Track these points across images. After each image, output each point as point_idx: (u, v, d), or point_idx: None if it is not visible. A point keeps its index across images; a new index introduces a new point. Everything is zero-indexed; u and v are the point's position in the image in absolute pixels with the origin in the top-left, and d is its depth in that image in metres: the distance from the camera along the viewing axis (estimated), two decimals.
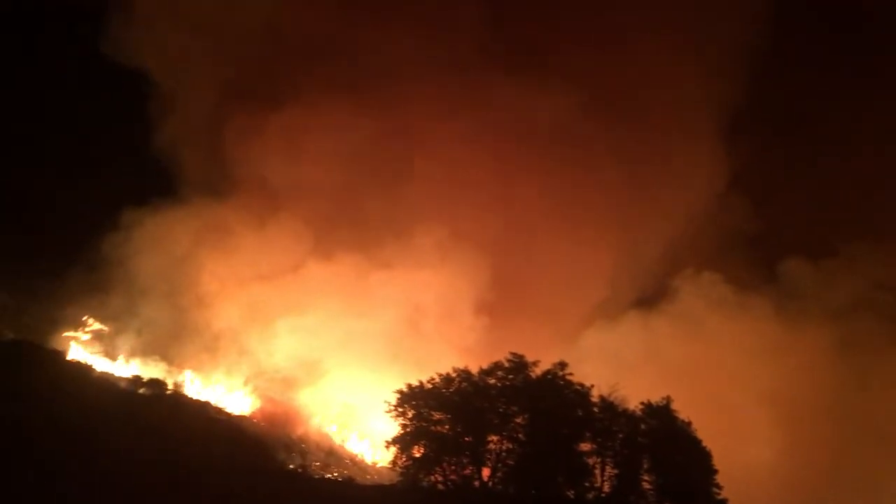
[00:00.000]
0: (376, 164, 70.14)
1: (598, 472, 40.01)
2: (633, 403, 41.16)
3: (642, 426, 41.05)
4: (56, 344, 54.30)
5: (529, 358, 41.18)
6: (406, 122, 71.53)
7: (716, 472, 41.15)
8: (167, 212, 65.16)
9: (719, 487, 40.86)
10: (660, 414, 41.16)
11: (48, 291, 60.15)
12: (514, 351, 41.59)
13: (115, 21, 67.93)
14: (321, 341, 61.89)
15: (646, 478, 40.49)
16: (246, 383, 59.92)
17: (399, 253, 66.80)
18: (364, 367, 59.56)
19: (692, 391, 51.93)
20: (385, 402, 40.90)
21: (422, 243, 66.77)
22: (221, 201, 67.42)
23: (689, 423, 41.36)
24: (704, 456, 41.18)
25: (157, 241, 63.73)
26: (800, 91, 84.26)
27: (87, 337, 57.42)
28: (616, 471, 40.17)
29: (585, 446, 40.38)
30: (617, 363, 59.85)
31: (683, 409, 41.71)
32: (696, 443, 41.22)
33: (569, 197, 73.51)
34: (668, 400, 41.67)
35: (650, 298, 74.74)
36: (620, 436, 40.80)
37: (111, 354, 57.49)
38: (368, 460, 57.25)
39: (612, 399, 40.87)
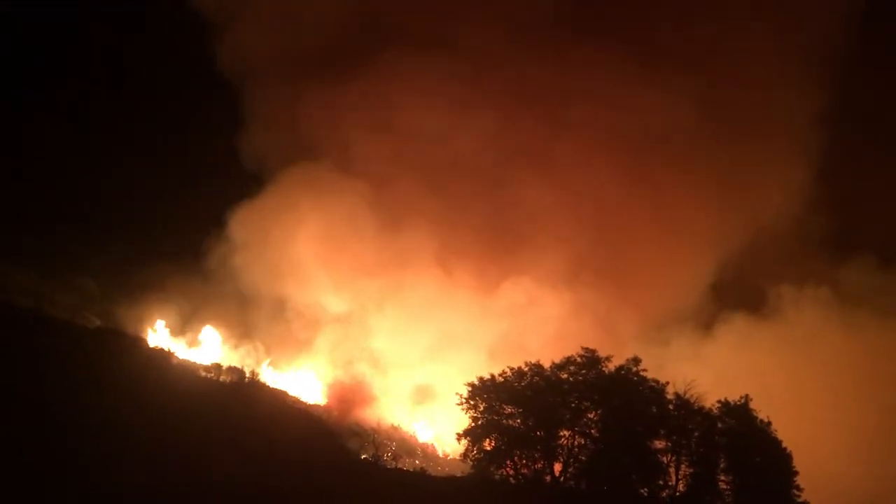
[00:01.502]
0: (487, 167, 71.01)
1: (672, 470, 39.42)
2: (711, 402, 40.34)
3: (719, 425, 40.20)
4: (138, 331, 56.04)
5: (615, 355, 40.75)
6: (515, 116, 71.84)
7: (796, 473, 40.07)
8: (255, 205, 66.81)
9: (800, 490, 39.81)
10: (738, 413, 40.19)
11: (132, 279, 62.15)
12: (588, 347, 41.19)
13: (216, 32, 70.75)
14: (411, 339, 62.99)
15: (722, 478, 39.73)
16: (324, 372, 61.08)
17: (516, 266, 67.26)
18: (453, 368, 58.96)
19: (780, 398, 50.81)
20: (456, 394, 41.12)
21: (540, 263, 67.10)
22: (318, 196, 68.41)
23: (769, 424, 40.30)
24: (784, 457, 40.13)
25: (248, 233, 65.38)
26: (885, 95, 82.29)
27: (169, 324, 59.20)
28: (691, 470, 39.47)
29: (660, 444, 39.80)
30: (712, 368, 58.84)
31: (775, 417, 40.73)
32: (775, 443, 40.16)
33: (667, 197, 73.21)
34: (747, 399, 40.66)
35: (738, 303, 74.49)
36: (696, 434, 40.05)
37: (192, 342, 59.30)
38: (440, 452, 57.75)
39: (687, 396, 40.12)
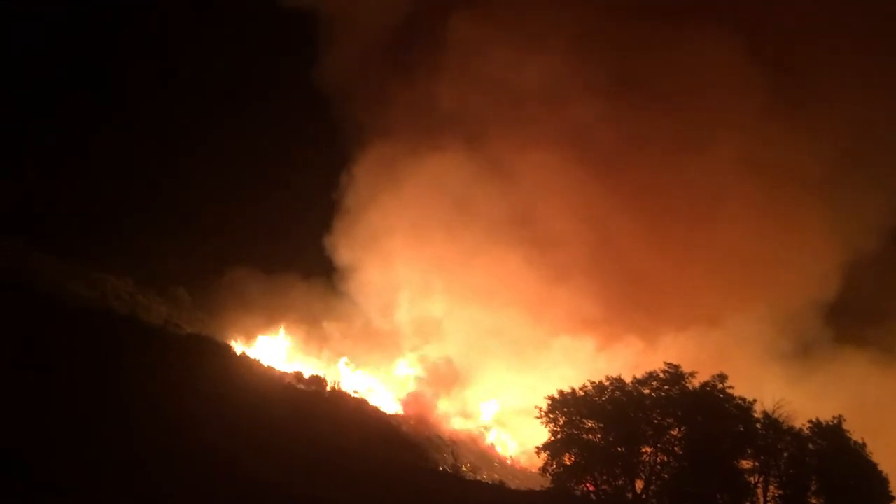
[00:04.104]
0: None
1: (760, 491, 38.19)
2: (801, 422, 38.98)
3: (810, 446, 38.75)
4: (226, 338, 57.61)
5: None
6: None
7: (893, 499, 38.26)
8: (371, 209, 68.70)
9: None
10: (830, 434, 38.66)
11: (222, 288, 64.04)
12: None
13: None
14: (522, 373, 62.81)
15: (813, 500, 38.27)
16: (406, 381, 61.67)
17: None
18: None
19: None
20: (536, 407, 40.88)
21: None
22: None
23: (864, 446, 38.63)
24: (881, 481, 38.34)
25: (358, 241, 67.00)
26: None
27: (257, 332, 60.75)
28: (780, 491, 38.16)
29: (746, 464, 38.67)
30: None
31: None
32: (871, 466, 38.42)
33: (794, 228, 72.81)
34: (840, 419, 39.10)
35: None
36: (785, 454, 38.75)
37: (278, 350, 60.61)
38: (517, 464, 57.46)
39: (776, 415, 38.83)
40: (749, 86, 72.45)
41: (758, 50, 74.23)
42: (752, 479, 38.37)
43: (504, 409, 61.21)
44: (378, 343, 65.76)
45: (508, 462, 57.40)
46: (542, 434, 40.32)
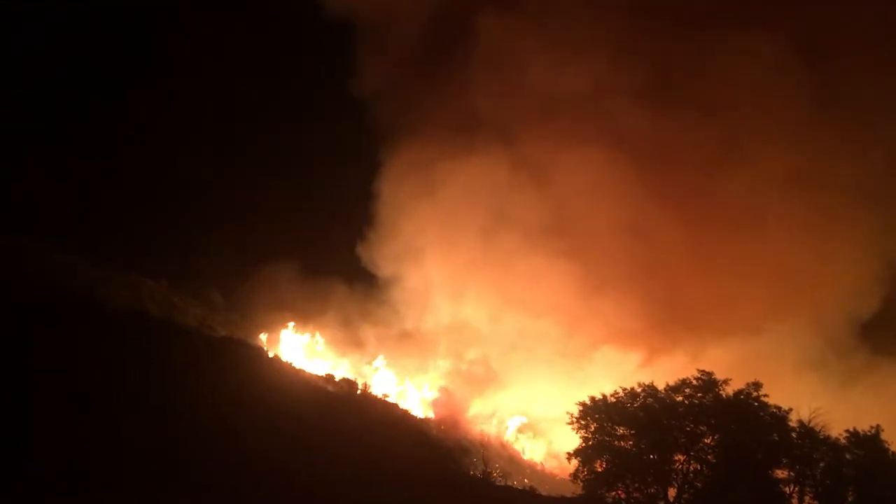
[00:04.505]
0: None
1: (795, 501, 37.64)
2: (838, 431, 38.36)
3: (847, 456, 38.12)
4: (259, 341, 58.10)
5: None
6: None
7: None
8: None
9: None
10: (867, 444, 37.98)
11: (255, 291, 64.43)
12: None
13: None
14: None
15: None
16: (437, 385, 61.75)
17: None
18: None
19: None
20: (567, 413, 40.66)
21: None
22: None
23: None
24: None
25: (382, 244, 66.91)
26: None
27: (289, 335, 61.15)
28: (816, 502, 37.60)
29: (781, 473, 38.14)
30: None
31: None
32: None
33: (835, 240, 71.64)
34: (878, 429, 38.38)
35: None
36: (822, 464, 38.17)
37: (311, 351, 61.00)
38: (546, 469, 57.24)
39: (812, 425, 38.24)
40: (792, 93, 71.25)
41: (802, 56, 72.89)
42: (787, 488, 37.87)
43: (537, 416, 60.89)
44: (413, 347, 65.76)
45: (539, 467, 57.21)
46: (572, 439, 40.15)
